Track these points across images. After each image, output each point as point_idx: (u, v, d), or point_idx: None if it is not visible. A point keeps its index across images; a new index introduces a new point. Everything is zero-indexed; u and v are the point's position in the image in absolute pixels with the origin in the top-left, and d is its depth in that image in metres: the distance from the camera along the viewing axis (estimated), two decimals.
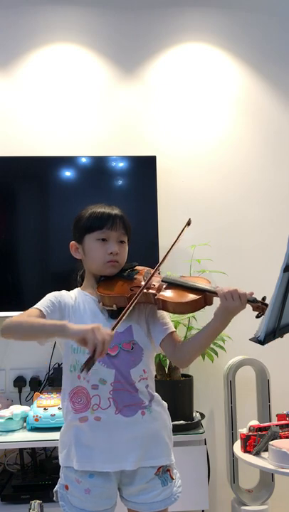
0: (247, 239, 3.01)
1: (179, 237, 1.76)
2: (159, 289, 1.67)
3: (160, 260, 1.74)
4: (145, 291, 1.65)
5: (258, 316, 1.59)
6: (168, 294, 1.66)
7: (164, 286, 1.69)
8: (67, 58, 3.03)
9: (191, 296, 1.63)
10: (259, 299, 1.58)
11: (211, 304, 1.65)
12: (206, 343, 1.67)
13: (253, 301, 1.58)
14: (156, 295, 1.65)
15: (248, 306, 1.59)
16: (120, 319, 1.54)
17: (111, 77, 3.04)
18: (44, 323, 1.56)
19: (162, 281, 1.71)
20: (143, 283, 1.67)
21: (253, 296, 1.58)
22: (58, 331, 1.52)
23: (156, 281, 1.70)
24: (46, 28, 3.01)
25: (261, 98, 3.09)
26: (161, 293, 1.66)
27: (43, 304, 1.66)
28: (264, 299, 1.58)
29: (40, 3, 3.00)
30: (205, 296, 1.63)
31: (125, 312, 1.56)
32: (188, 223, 1.79)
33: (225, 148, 3.05)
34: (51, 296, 1.70)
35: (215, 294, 1.60)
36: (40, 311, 1.63)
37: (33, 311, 1.63)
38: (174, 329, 1.73)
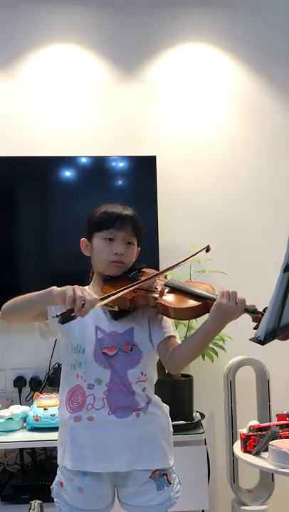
0: (247, 239, 3.01)
1: (192, 256, 1.75)
2: (161, 292, 1.66)
3: (166, 267, 1.70)
4: (147, 293, 1.64)
5: (255, 328, 1.54)
6: (169, 299, 1.64)
7: (167, 291, 1.67)
8: (67, 58, 3.03)
9: (192, 303, 1.62)
10: (260, 309, 1.54)
11: None
12: (198, 346, 1.63)
13: (252, 312, 1.55)
14: (157, 299, 1.64)
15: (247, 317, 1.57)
16: (111, 295, 1.54)
17: (111, 77, 3.04)
18: (35, 294, 1.59)
19: (165, 285, 1.69)
20: (147, 286, 1.66)
21: (254, 307, 1.55)
22: (45, 297, 1.56)
23: (159, 285, 1.69)
24: (46, 28, 3.01)
25: (261, 98, 3.08)
26: (162, 297, 1.64)
27: None
28: (265, 310, 1.52)
29: (40, 3, 3.00)
30: (206, 303, 1.61)
31: (118, 292, 1.55)
32: (208, 250, 1.78)
33: (225, 148, 3.05)
34: None
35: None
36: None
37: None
38: (174, 334, 1.69)
